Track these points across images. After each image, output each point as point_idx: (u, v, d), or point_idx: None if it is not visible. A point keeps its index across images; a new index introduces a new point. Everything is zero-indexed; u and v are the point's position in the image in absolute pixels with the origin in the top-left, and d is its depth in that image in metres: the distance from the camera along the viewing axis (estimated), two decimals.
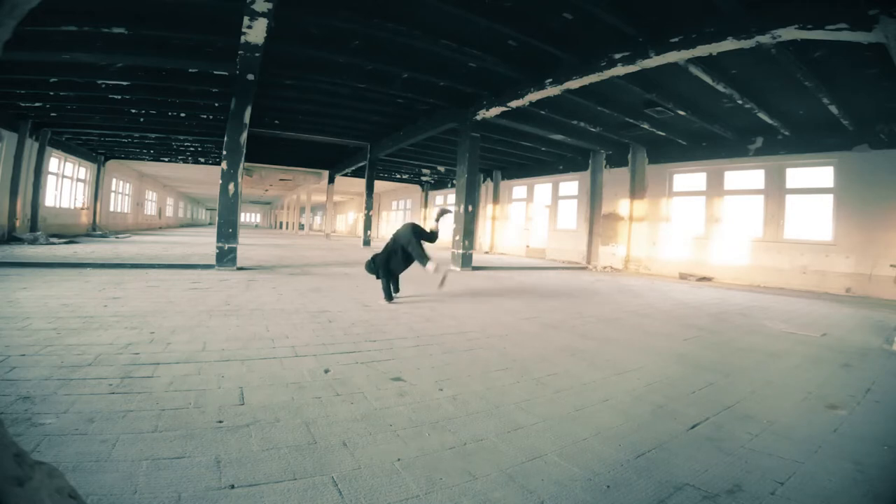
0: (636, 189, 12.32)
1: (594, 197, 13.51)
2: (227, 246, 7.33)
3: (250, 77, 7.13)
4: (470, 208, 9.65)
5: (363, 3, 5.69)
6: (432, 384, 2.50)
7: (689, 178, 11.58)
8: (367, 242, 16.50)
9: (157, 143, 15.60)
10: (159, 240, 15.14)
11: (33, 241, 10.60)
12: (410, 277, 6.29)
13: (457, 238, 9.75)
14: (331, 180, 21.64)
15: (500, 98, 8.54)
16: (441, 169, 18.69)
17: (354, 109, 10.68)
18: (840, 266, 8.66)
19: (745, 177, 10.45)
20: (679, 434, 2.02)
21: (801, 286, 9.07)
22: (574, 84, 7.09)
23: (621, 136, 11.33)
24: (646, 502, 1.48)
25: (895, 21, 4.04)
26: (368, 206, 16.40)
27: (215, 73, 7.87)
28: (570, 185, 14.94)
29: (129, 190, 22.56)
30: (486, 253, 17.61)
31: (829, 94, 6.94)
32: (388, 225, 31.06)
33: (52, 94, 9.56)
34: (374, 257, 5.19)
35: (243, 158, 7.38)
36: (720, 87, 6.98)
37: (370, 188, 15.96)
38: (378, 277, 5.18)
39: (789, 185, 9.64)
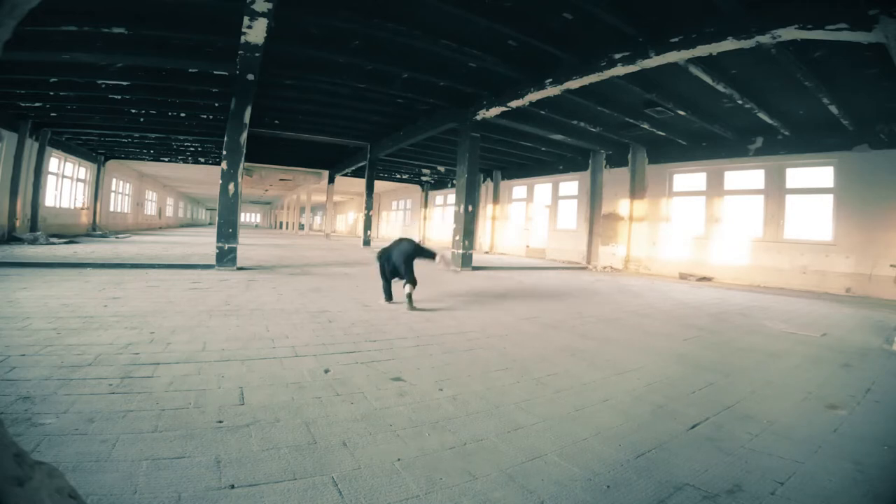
0: (636, 189, 12.32)
1: (594, 197, 13.51)
2: (227, 246, 7.33)
3: (250, 77, 7.14)
4: (470, 208, 9.65)
5: (363, 3, 5.69)
6: (432, 384, 2.50)
7: (689, 178, 11.58)
8: (367, 242, 16.50)
9: (157, 143, 15.60)
10: (159, 240, 15.14)
11: (33, 241, 10.60)
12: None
13: (457, 238, 9.75)
14: (331, 180, 21.64)
15: (500, 98, 8.54)
16: (441, 169, 18.69)
17: (354, 109, 10.68)
18: (840, 266, 8.66)
19: (745, 177, 10.45)
20: (679, 434, 2.02)
21: (801, 286, 9.07)
22: (574, 84, 7.09)
23: (621, 136, 11.33)
24: (646, 502, 1.48)
25: (895, 21, 4.04)
26: (368, 206, 16.40)
27: (215, 73, 7.87)
28: (570, 185, 14.94)
29: (129, 190, 22.55)
30: (486, 253, 17.61)
31: (829, 94, 6.94)
32: (388, 225, 31.08)
33: (52, 94, 9.56)
34: (384, 251, 5.14)
35: (243, 158, 7.38)
36: (720, 87, 6.98)
37: (370, 188, 15.97)
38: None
39: (789, 185, 9.64)
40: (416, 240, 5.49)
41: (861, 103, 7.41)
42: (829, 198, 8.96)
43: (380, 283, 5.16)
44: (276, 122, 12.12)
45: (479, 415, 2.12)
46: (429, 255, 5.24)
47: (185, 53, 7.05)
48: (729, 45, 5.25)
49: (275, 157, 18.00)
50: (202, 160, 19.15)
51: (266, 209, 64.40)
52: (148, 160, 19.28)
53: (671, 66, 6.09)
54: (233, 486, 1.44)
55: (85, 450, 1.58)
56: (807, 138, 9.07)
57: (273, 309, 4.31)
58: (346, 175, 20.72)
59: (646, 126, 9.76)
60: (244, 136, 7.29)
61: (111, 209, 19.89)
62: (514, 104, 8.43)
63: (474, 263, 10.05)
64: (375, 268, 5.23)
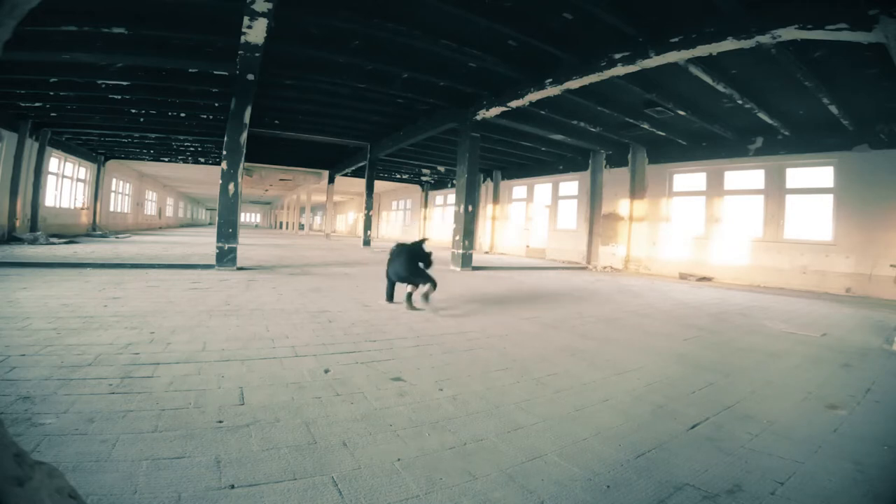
0: (636, 189, 12.32)
1: (594, 197, 13.51)
2: (227, 246, 7.33)
3: (250, 77, 7.13)
4: (470, 208, 9.64)
5: (363, 3, 5.69)
6: (432, 384, 2.50)
7: (689, 178, 11.58)
8: (367, 242, 16.49)
9: (157, 143, 15.60)
10: (159, 240, 15.14)
11: (33, 241, 10.60)
12: None
13: (457, 238, 9.75)
14: (331, 180, 21.64)
15: (500, 98, 8.54)
16: (441, 169, 18.69)
17: (354, 109, 10.68)
18: (840, 266, 8.66)
19: (745, 177, 10.45)
20: (679, 434, 2.02)
21: (801, 286, 9.07)
22: (574, 84, 7.09)
23: (621, 136, 11.32)
24: (646, 502, 1.48)
25: (895, 21, 4.04)
26: (368, 206, 16.40)
27: (215, 73, 7.87)
28: (570, 185, 14.94)
29: (129, 190, 22.55)
30: (486, 253, 17.61)
31: (829, 94, 6.94)
32: (388, 225, 31.08)
33: (52, 94, 9.56)
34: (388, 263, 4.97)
35: (243, 158, 7.38)
36: (720, 87, 6.98)
37: (370, 188, 15.96)
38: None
39: (789, 185, 9.64)
40: (416, 244, 5.02)
41: (861, 103, 7.41)
42: (829, 198, 8.96)
43: (380, 283, 5.15)
44: (276, 122, 12.12)
45: (479, 415, 2.12)
46: (425, 262, 4.91)
47: (185, 53, 7.05)
48: (729, 45, 5.25)
49: (275, 157, 18.00)
50: (202, 160, 19.15)
51: (266, 209, 64.41)
52: (148, 160, 19.29)
53: (671, 66, 6.09)
54: (233, 486, 1.44)
55: (85, 450, 1.58)
56: (807, 138, 9.07)
57: (273, 309, 4.30)
58: (346, 175, 20.72)
59: (646, 126, 9.76)
60: (244, 136, 7.29)
61: (111, 209, 19.89)
62: (514, 104, 8.43)
63: (474, 263, 10.05)
64: (375, 268, 5.23)
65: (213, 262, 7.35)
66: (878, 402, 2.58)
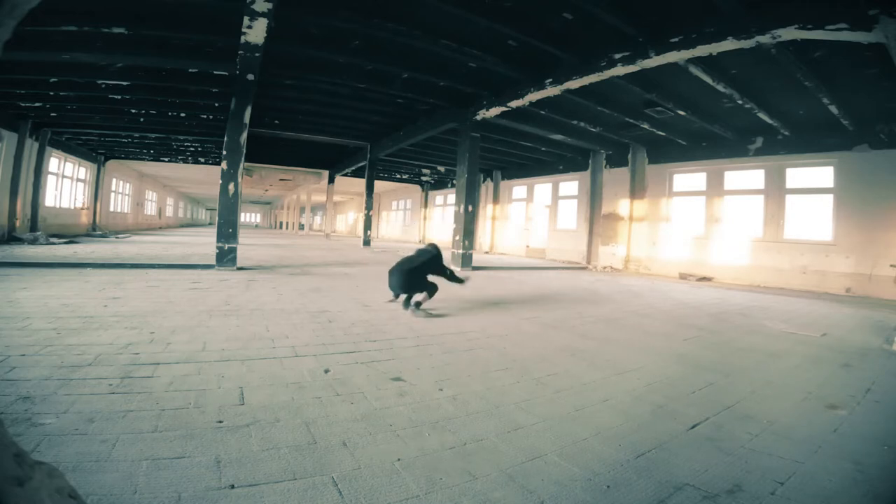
0: (636, 189, 12.32)
1: (594, 197, 13.51)
2: (227, 246, 7.33)
3: (250, 77, 7.13)
4: (470, 208, 9.65)
5: (363, 3, 5.69)
6: (432, 384, 2.50)
7: (689, 178, 11.58)
8: (367, 242, 16.50)
9: (157, 143, 15.60)
10: (159, 240, 15.14)
11: (33, 241, 10.60)
12: None
13: (457, 238, 9.75)
14: (331, 180, 21.64)
15: (500, 98, 8.54)
16: (441, 169, 18.69)
17: (354, 109, 10.68)
18: (840, 266, 8.66)
19: (745, 177, 10.45)
20: (679, 434, 2.02)
21: (801, 286, 9.07)
22: (574, 84, 7.09)
23: (621, 136, 11.33)
24: (646, 502, 1.48)
25: (895, 21, 4.04)
26: (368, 206, 16.40)
27: (215, 73, 7.87)
28: (570, 185, 14.94)
29: (129, 190, 22.55)
30: (486, 253, 17.61)
31: (829, 94, 6.94)
32: (388, 225, 31.08)
33: (52, 94, 9.56)
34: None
35: (243, 158, 7.38)
36: (720, 87, 6.98)
37: (370, 188, 15.97)
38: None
39: (789, 185, 9.64)
40: (427, 252, 4.77)
41: (861, 103, 7.41)
42: (829, 198, 8.96)
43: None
44: (276, 122, 12.12)
45: (479, 415, 2.12)
46: (438, 272, 4.68)
47: (185, 53, 7.05)
48: (729, 45, 5.25)
49: (275, 157, 18.00)
50: (202, 160, 19.15)
51: (266, 209, 64.41)
52: (148, 160, 19.29)
53: (671, 66, 6.09)
54: (233, 486, 1.44)
55: (85, 450, 1.58)
56: (807, 138, 9.07)
57: (273, 309, 4.30)
58: (346, 175, 20.72)
59: (646, 126, 9.76)
60: (244, 136, 7.29)
61: (111, 209, 19.89)
62: (514, 104, 8.43)
63: (474, 263, 10.05)
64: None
65: (213, 262, 7.35)
66: (878, 402, 2.58)
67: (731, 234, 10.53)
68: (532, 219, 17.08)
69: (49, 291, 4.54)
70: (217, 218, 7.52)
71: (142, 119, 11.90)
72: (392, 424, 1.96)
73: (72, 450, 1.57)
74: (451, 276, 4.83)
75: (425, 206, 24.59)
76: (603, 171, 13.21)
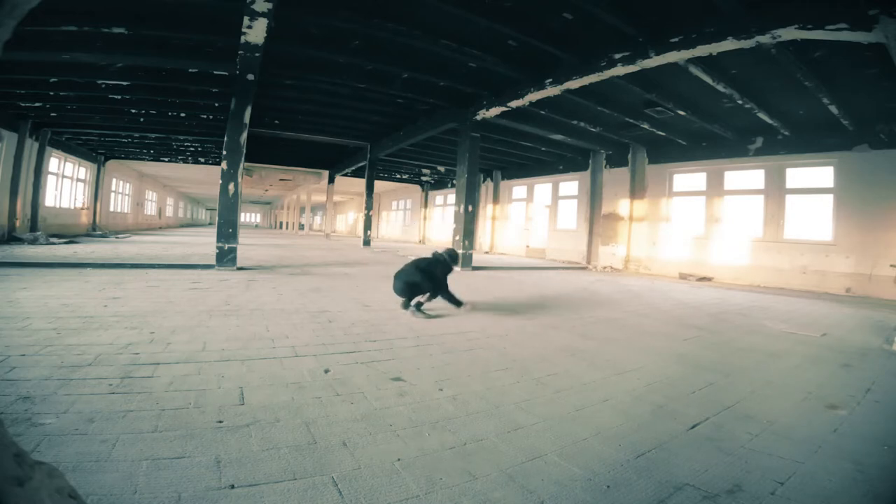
0: (636, 189, 12.32)
1: (594, 197, 13.51)
2: (227, 246, 7.33)
3: (250, 77, 7.13)
4: (470, 208, 9.65)
5: (363, 3, 5.69)
6: (432, 384, 2.50)
7: (689, 178, 11.58)
8: (367, 242, 16.50)
9: (157, 143, 15.60)
10: (159, 240, 15.14)
11: (33, 241, 10.60)
12: None
13: (457, 238, 9.75)
14: (331, 180, 21.64)
15: (500, 98, 8.54)
16: (441, 169, 18.69)
17: (354, 109, 10.68)
18: (840, 266, 8.66)
19: (745, 177, 10.44)
20: (679, 434, 2.02)
21: (801, 286, 9.07)
22: (574, 84, 7.09)
23: (621, 136, 11.32)
24: (646, 502, 1.48)
25: (895, 21, 4.04)
26: (368, 206, 16.40)
27: (215, 73, 7.87)
28: (570, 185, 14.93)
29: (129, 190, 22.55)
30: (486, 253, 17.61)
31: (829, 94, 6.94)
32: (388, 225, 31.08)
33: (52, 94, 9.56)
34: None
35: (243, 158, 7.37)
36: (720, 87, 6.97)
37: (370, 188, 15.97)
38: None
39: (789, 185, 9.64)
40: (431, 257, 4.64)
41: (861, 103, 7.41)
42: (829, 198, 8.96)
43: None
44: (276, 122, 12.12)
45: (479, 415, 2.12)
46: (439, 283, 4.50)
47: (185, 53, 7.05)
48: (729, 45, 5.25)
49: (275, 157, 18.00)
50: (202, 160, 19.15)
51: (266, 209, 64.40)
52: (148, 160, 19.28)
53: (671, 66, 6.09)
54: (233, 486, 1.44)
55: (85, 450, 1.58)
56: (807, 138, 9.07)
57: (273, 309, 4.30)
58: (346, 175, 20.72)
59: (646, 126, 9.76)
60: (244, 136, 7.29)
61: (111, 209, 19.89)
62: (514, 104, 8.43)
63: (474, 263, 10.05)
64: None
65: (213, 262, 7.35)
66: (878, 402, 2.58)
67: (731, 234, 10.53)
68: (532, 219, 17.08)
69: (49, 291, 4.54)
70: (217, 218, 7.52)
71: (142, 119, 11.89)
72: (392, 424, 1.96)
73: (72, 450, 1.57)
74: (451, 298, 4.52)
75: (425, 206, 24.58)
76: (603, 171, 13.21)
